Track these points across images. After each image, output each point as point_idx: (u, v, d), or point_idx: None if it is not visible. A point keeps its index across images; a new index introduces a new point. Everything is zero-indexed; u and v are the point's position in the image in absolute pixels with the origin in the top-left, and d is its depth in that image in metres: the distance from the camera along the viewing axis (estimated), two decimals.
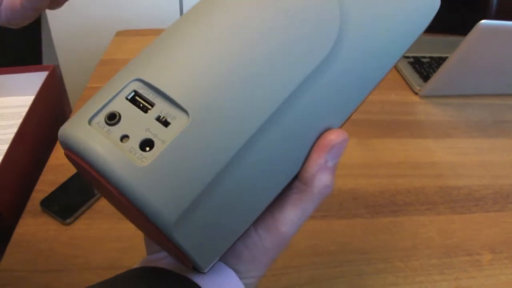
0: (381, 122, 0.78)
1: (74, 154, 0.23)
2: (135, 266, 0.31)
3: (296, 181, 0.27)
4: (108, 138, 0.22)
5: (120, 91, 0.24)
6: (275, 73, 0.24)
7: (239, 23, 0.25)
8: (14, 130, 0.65)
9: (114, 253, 0.53)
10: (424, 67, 0.91)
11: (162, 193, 0.22)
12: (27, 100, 0.71)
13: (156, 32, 0.90)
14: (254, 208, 0.25)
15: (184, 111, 0.23)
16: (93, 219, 0.57)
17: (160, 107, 0.23)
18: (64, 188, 0.60)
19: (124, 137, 0.22)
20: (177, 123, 0.23)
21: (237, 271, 0.28)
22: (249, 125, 0.23)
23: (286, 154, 0.25)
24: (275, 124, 0.24)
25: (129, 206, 0.22)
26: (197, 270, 0.26)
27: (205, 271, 0.25)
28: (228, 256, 0.28)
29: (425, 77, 0.88)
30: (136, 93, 0.24)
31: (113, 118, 0.23)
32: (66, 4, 0.41)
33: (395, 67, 0.92)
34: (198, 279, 0.27)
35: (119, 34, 1.03)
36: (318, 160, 0.26)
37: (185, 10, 1.07)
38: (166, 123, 0.23)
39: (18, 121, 0.67)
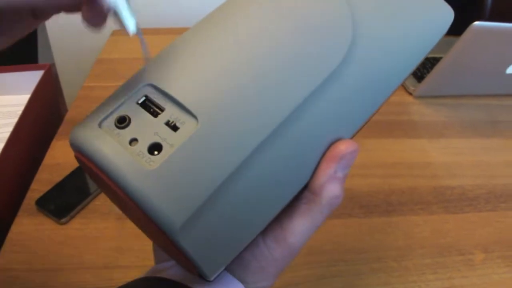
0: (375, 123, 0.78)
1: (83, 156, 0.23)
2: (142, 275, 0.31)
3: (305, 191, 0.27)
4: (117, 141, 0.23)
5: (131, 96, 0.24)
6: (285, 83, 0.25)
7: (252, 33, 0.26)
8: (9, 129, 0.65)
9: (110, 253, 0.53)
10: (418, 67, 0.92)
11: (169, 197, 0.22)
12: (23, 99, 0.71)
13: (152, 31, 0.90)
14: (262, 217, 0.25)
15: (194, 116, 0.23)
16: (89, 219, 0.57)
17: (170, 112, 0.23)
18: (60, 187, 0.60)
19: (133, 141, 0.23)
20: (186, 128, 0.23)
21: (244, 282, 0.28)
22: (257, 133, 0.23)
23: (295, 163, 0.25)
24: (284, 133, 0.24)
25: (135, 209, 0.22)
26: (203, 278, 0.25)
27: (211, 279, 0.25)
28: (236, 266, 0.28)
29: (420, 78, 0.88)
30: (147, 98, 0.24)
31: (123, 122, 0.23)
32: None
33: None
34: None
35: (115, 33, 1.03)
36: (327, 170, 0.26)
37: (182, 7, 1.07)
38: (175, 128, 0.23)
39: (14, 120, 0.67)
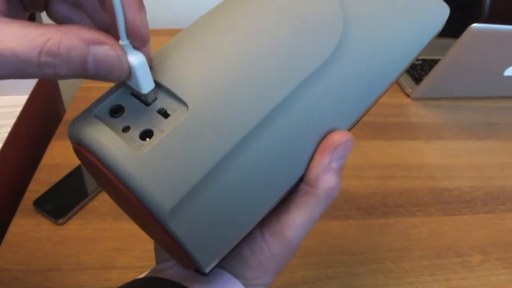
0: (373, 124, 0.79)
1: (79, 146, 0.24)
2: (143, 275, 0.31)
3: (301, 184, 0.27)
4: (111, 129, 0.23)
5: (125, 87, 0.24)
6: (275, 73, 0.25)
7: (244, 27, 0.26)
8: (8, 129, 0.65)
9: (107, 253, 0.53)
10: (416, 69, 0.92)
11: (158, 180, 0.22)
12: (21, 100, 0.71)
13: (154, 32, 0.89)
14: (256, 207, 0.25)
15: (184, 104, 0.23)
16: (86, 219, 0.57)
17: (162, 101, 0.24)
18: (58, 188, 0.60)
19: (126, 128, 0.23)
20: (176, 115, 0.23)
21: (244, 279, 0.28)
22: (247, 120, 0.24)
23: (287, 153, 0.25)
24: (274, 121, 0.24)
25: (126, 194, 0.22)
26: (199, 272, 0.25)
27: (206, 271, 0.25)
28: (234, 262, 0.28)
29: (417, 80, 0.89)
30: None
31: (117, 111, 0.24)
32: None
33: None
34: None
35: None
36: (321, 161, 0.26)
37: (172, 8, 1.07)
38: (166, 115, 0.23)
39: (12, 120, 0.67)
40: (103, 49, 0.21)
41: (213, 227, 0.24)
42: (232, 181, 0.23)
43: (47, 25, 0.21)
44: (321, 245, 0.56)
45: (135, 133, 0.23)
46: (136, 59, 0.22)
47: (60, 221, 0.56)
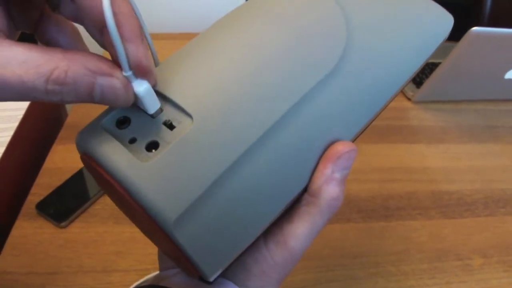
0: (374, 128, 0.78)
1: (86, 156, 0.24)
2: (144, 279, 0.31)
3: (305, 194, 0.27)
4: (117, 140, 0.23)
5: None
6: (278, 85, 0.25)
7: (248, 38, 0.27)
8: (10, 133, 0.65)
9: (109, 257, 0.53)
10: (417, 73, 0.92)
11: (163, 190, 0.22)
12: (23, 104, 0.72)
13: (153, 36, 0.90)
14: (260, 217, 0.25)
15: (189, 116, 0.24)
16: (88, 223, 0.57)
17: (168, 113, 0.24)
18: (60, 191, 0.60)
19: (133, 140, 0.24)
20: (182, 127, 0.24)
21: (246, 287, 0.28)
22: (252, 132, 0.24)
23: (291, 163, 0.25)
24: (278, 132, 0.24)
25: (131, 203, 0.23)
26: (204, 280, 0.26)
27: (211, 279, 0.25)
28: (237, 271, 0.28)
29: (418, 83, 0.89)
30: None
31: (123, 123, 0.24)
32: None
33: None
34: None
35: None
36: (324, 171, 0.26)
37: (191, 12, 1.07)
38: (171, 127, 0.24)
39: (15, 124, 0.67)
40: (109, 81, 0.21)
41: (218, 236, 0.24)
42: (236, 192, 0.24)
43: (52, 50, 0.21)
44: (321, 248, 0.56)
45: (141, 144, 0.23)
46: (141, 87, 0.23)
47: (62, 224, 0.56)
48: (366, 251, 0.57)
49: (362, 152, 0.73)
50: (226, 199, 0.23)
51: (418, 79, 0.90)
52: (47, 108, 0.80)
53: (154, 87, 0.24)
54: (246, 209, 0.24)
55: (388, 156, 0.73)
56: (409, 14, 0.30)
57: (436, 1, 0.31)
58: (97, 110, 0.25)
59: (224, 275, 0.28)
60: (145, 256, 0.54)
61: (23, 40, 0.22)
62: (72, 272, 0.52)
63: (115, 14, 0.21)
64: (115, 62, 0.22)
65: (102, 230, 0.57)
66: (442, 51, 0.78)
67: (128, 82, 0.22)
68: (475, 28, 0.69)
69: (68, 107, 0.92)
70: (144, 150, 0.23)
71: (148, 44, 0.25)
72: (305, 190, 0.27)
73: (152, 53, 0.26)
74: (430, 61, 0.96)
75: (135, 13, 0.23)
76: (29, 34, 0.28)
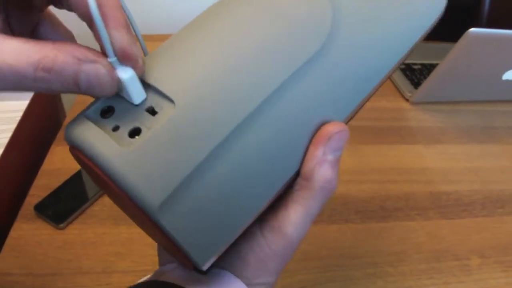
0: (372, 128, 0.79)
1: (73, 148, 0.24)
2: (146, 277, 0.31)
3: (298, 178, 0.27)
4: (101, 128, 0.24)
5: None
6: (262, 67, 0.25)
7: (232, 22, 0.26)
8: (8, 134, 0.65)
9: (108, 258, 0.53)
10: (415, 73, 0.92)
11: (146, 176, 0.22)
12: (21, 105, 0.72)
13: (147, 38, 0.90)
14: (251, 202, 0.25)
15: (171, 101, 0.24)
16: (87, 224, 0.57)
17: (151, 99, 0.24)
18: (58, 193, 0.61)
19: (116, 127, 0.24)
20: (164, 112, 0.23)
21: (245, 278, 0.27)
22: (236, 114, 0.24)
23: (279, 147, 0.25)
24: (264, 113, 0.24)
25: (116, 190, 0.22)
26: (198, 270, 0.25)
27: (204, 268, 0.25)
28: (234, 261, 0.28)
29: (416, 84, 0.89)
30: None
31: (107, 112, 0.24)
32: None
33: None
34: None
35: None
36: (315, 152, 0.26)
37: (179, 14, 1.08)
38: (153, 113, 0.24)
39: (13, 126, 0.67)
40: (94, 67, 0.22)
41: (207, 222, 0.23)
42: (224, 176, 0.23)
43: (43, 42, 0.22)
44: (320, 249, 0.56)
45: (124, 131, 0.23)
46: (125, 73, 0.23)
47: (61, 225, 0.56)
48: (364, 251, 0.57)
49: (360, 153, 0.73)
50: (213, 184, 0.23)
51: (416, 80, 0.90)
52: (45, 110, 0.80)
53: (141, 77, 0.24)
54: (236, 194, 0.24)
55: (386, 157, 0.73)
56: None
57: None
58: None
59: (220, 265, 0.28)
60: (144, 257, 0.54)
61: None
62: (71, 273, 0.52)
63: (100, 6, 0.22)
64: (104, 53, 0.23)
65: (100, 231, 0.57)
66: (440, 52, 0.78)
67: (112, 68, 0.23)
68: (473, 29, 0.70)
69: (67, 108, 0.92)
70: (127, 137, 0.23)
71: (137, 37, 0.26)
72: (298, 174, 0.27)
73: (141, 47, 0.26)
74: (428, 62, 0.96)
75: (123, 9, 0.23)
76: None
